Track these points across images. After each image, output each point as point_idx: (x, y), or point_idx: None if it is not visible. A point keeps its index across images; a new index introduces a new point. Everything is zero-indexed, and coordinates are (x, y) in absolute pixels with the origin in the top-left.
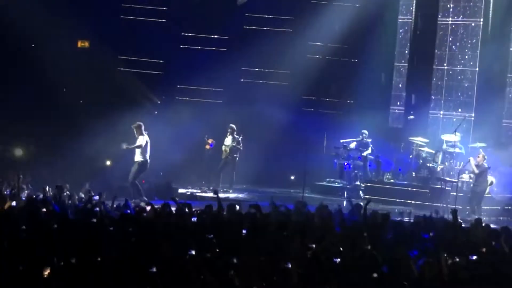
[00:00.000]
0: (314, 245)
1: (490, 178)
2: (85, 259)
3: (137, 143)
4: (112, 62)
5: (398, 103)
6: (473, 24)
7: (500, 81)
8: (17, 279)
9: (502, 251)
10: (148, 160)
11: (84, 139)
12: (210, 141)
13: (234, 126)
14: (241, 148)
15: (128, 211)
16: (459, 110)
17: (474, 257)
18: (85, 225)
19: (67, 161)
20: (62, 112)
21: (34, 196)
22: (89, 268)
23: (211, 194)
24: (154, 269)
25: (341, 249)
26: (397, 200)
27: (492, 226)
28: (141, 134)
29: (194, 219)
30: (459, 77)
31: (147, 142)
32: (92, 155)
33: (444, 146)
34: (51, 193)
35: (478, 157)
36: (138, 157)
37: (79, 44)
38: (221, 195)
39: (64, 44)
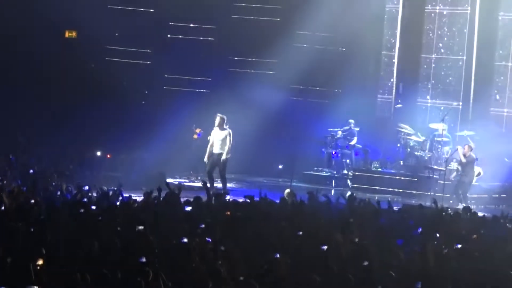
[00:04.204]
0: (301, 233)
1: (478, 169)
2: (73, 249)
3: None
4: (100, 52)
5: (386, 92)
6: (460, 13)
7: (487, 69)
8: (8, 271)
9: (490, 239)
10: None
11: (71, 129)
12: (197, 130)
13: (222, 116)
14: None
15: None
16: (447, 98)
17: (461, 246)
18: (73, 216)
19: (55, 151)
20: (49, 103)
21: (22, 187)
22: (78, 258)
23: (199, 184)
24: (144, 259)
25: (329, 237)
26: (385, 188)
27: (480, 214)
28: (223, 128)
29: (187, 208)
30: (446, 66)
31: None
32: (79, 146)
33: (438, 133)
34: (40, 184)
35: (464, 148)
36: (220, 150)
37: (67, 34)
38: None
39: (52, 34)
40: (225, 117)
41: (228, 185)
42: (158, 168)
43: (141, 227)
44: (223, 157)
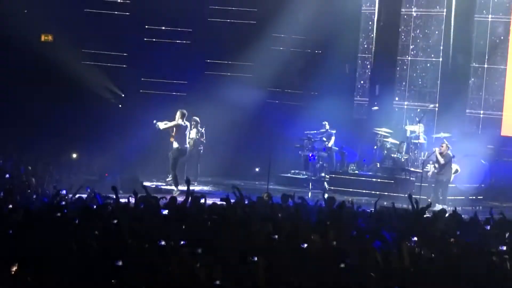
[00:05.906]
0: (277, 236)
1: (455, 166)
2: (50, 253)
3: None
4: (76, 55)
5: (362, 94)
6: (436, 15)
7: (463, 71)
8: None
9: (466, 241)
10: (185, 147)
11: (47, 132)
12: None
13: (197, 118)
14: (204, 141)
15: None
16: (423, 100)
17: (438, 248)
18: (50, 220)
19: (32, 154)
20: (25, 106)
21: None
22: (55, 262)
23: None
24: (120, 263)
25: (306, 239)
26: (362, 191)
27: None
28: (180, 119)
29: (164, 211)
30: (422, 68)
31: (182, 128)
32: (56, 149)
33: (408, 134)
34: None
35: (442, 146)
36: (174, 144)
37: (43, 37)
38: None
39: (28, 37)
40: (184, 111)
41: (204, 187)
42: (134, 172)
43: (115, 221)
44: (172, 149)
